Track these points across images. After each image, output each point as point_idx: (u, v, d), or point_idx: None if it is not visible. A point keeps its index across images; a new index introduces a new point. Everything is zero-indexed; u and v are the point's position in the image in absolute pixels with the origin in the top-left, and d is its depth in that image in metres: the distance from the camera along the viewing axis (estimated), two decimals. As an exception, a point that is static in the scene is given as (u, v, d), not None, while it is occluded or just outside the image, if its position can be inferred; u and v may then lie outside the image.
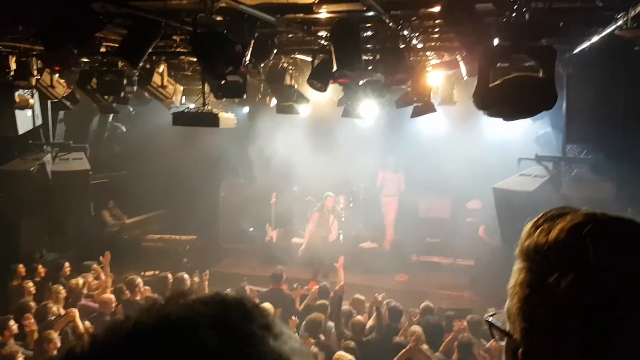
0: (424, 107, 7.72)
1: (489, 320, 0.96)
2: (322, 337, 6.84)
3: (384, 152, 11.77)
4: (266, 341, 0.62)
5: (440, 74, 7.81)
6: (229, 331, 0.61)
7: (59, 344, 6.11)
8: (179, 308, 0.64)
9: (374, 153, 11.84)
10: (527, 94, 4.27)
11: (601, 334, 0.80)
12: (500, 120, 4.82)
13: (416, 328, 6.87)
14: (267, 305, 7.31)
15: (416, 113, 7.96)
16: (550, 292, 0.82)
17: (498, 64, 4.65)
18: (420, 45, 7.00)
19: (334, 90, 8.78)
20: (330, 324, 7.26)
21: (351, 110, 8.56)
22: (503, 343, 0.93)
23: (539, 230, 0.88)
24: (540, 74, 4.31)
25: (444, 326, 7.51)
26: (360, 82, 7.26)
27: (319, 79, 6.84)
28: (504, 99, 4.29)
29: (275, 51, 6.86)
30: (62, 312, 7.19)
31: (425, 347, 6.60)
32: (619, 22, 5.11)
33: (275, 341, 0.63)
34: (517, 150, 9.47)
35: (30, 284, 8.10)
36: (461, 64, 6.34)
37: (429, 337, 6.86)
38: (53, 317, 6.94)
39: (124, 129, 13.00)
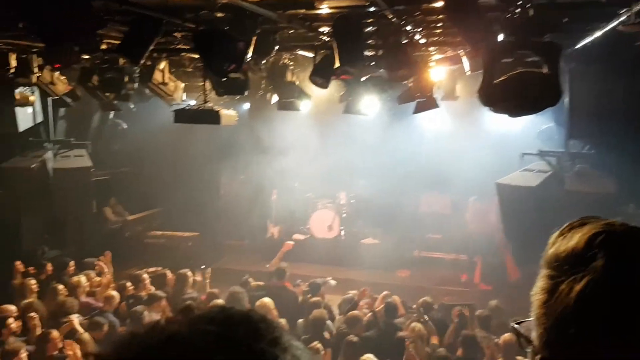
0: (427, 103, 7.69)
1: (514, 326, 0.97)
2: (326, 334, 6.84)
3: (386, 148, 11.74)
4: None
5: (443, 69, 7.78)
6: (238, 352, 0.60)
7: (59, 345, 6.10)
8: (185, 326, 0.62)
9: (376, 149, 11.81)
10: (532, 90, 4.26)
11: (606, 343, 0.82)
12: (502, 115, 4.81)
13: (417, 325, 6.89)
14: (267, 300, 7.33)
15: (419, 109, 7.93)
16: (562, 298, 0.85)
17: (502, 60, 4.63)
18: (423, 41, 6.96)
19: (335, 86, 8.75)
20: (328, 322, 7.27)
21: (353, 106, 8.53)
22: (529, 350, 0.94)
23: (560, 238, 0.92)
24: (545, 70, 4.29)
25: (448, 322, 7.53)
26: (363, 79, 7.23)
27: (321, 76, 6.81)
28: (509, 95, 4.27)
29: (276, 48, 6.82)
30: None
31: (434, 340, 6.66)
32: (622, 18, 5.09)
33: (287, 358, 0.63)
34: (520, 145, 9.44)
35: (33, 281, 8.07)
36: (464, 59, 6.32)
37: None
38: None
39: (125, 126, 12.95)
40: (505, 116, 4.82)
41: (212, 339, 0.60)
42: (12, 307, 6.98)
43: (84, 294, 7.94)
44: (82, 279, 8.11)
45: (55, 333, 6.23)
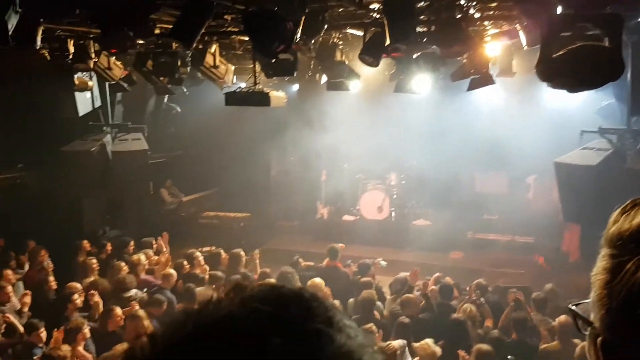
0: (482, 80, 7.45)
1: (572, 308, 0.93)
2: (377, 315, 6.83)
3: (438, 127, 11.51)
4: (334, 340, 0.60)
5: (499, 45, 7.51)
6: (293, 332, 0.59)
7: (121, 323, 6.35)
8: (237, 306, 0.62)
9: (428, 128, 11.60)
10: (593, 64, 4.07)
11: None
12: (561, 91, 4.62)
13: (470, 306, 6.79)
14: (318, 280, 7.38)
15: (473, 86, 7.70)
16: (628, 278, 0.81)
17: (561, 33, 4.42)
18: (477, 15, 6.73)
19: (385, 64, 8.62)
20: (378, 303, 7.25)
21: (404, 84, 8.38)
22: (587, 332, 0.91)
23: (624, 216, 0.88)
24: (606, 43, 4.08)
25: (503, 304, 7.39)
26: (414, 56, 7.07)
27: (371, 54, 6.70)
28: (569, 70, 4.09)
29: (325, 27, 6.76)
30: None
31: (488, 323, 6.56)
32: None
33: (342, 338, 0.61)
34: (579, 122, 9.07)
35: (94, 260, 8.44)
36: (521, 33, 6.07)
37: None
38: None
39: (178, 109, 13.26)
40: (564, 92, 4.62)
41: (266, 318, 0.60)
42: (78, 285, 7.33)
43: (144, 272, 8.24)
44: (142, 257, 8.41)
45: (118, 310, 6.47)
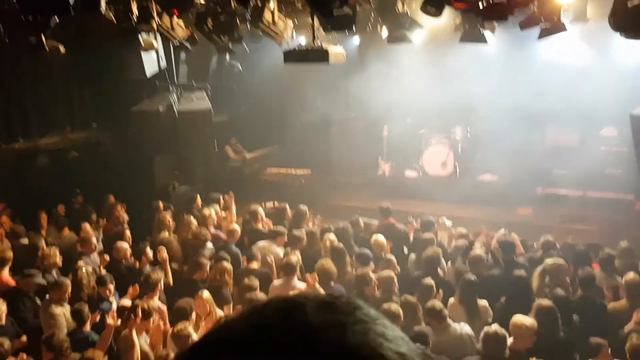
0: (553, 28, 6.99)
1: None
2: (440, 272, 6.78)
3: (506, 78, 10.98)
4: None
5: (571, -11, 7.01)
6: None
7: (206, 275, 6.68)
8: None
9: (495, 79, 11.09)
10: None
11: None
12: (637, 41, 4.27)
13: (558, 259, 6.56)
14: (381, 237, 7.41)
15: (543, 34, 7.25)
16: None
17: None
18: (547, -43, 6.28)
19: (450, 13, 8.25)
20: (442, 260, 7.16)
21: (470, 34, 8.02)
22: None
23: None
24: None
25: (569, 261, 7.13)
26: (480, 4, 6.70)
27: (434, 4, 6.43)
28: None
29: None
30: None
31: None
32: None
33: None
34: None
35: (168, 216, 8.81)
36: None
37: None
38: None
39: (240, 67, 13.35)
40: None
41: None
42: (125, 244, 7.60)
43: (213, 226, 8.56)
44: (212, 212, 8.74)
45: (205, 260, 6.81)
